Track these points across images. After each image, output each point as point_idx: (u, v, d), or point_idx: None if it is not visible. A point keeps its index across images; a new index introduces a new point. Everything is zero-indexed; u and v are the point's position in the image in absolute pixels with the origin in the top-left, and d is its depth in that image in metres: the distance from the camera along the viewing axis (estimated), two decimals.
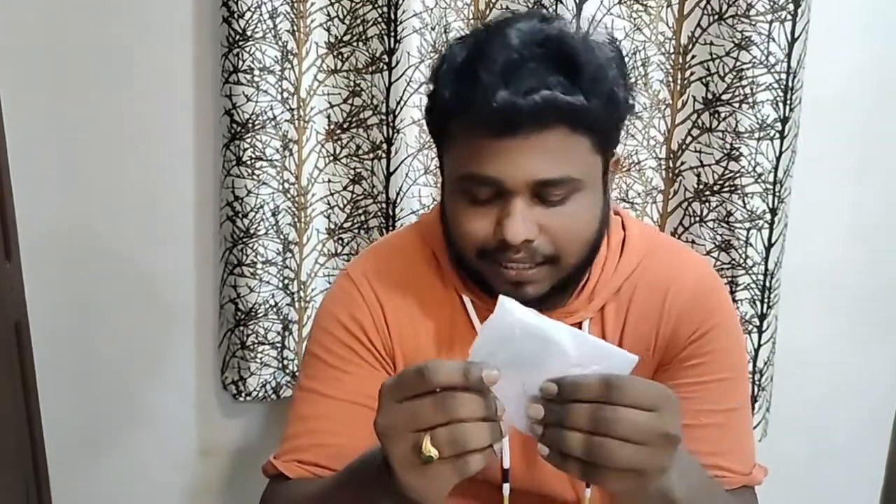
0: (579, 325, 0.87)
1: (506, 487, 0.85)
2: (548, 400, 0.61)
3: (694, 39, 1.24)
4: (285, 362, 1.34)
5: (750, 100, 1.21)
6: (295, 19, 1.23)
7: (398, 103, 1.23)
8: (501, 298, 0.61)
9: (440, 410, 0.58)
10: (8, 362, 1.28)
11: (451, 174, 0.81)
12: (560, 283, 0.82)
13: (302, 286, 1.34)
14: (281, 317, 1.31)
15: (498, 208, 0.77)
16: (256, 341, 1.30)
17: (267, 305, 1.29)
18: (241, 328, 1.30)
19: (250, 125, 1.22)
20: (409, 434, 0.59)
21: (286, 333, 1.33)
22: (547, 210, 0.77)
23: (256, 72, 1.21)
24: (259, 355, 1.31)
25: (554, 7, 1.19)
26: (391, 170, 1.26)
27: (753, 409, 1.31)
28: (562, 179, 0.76)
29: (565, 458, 0.61)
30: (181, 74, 1.28)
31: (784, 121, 1.21)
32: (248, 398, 1.33)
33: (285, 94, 1.24)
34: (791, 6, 1.18)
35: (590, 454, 0.59)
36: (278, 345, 1.32)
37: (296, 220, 1.31)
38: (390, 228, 1.28)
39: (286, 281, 1.31)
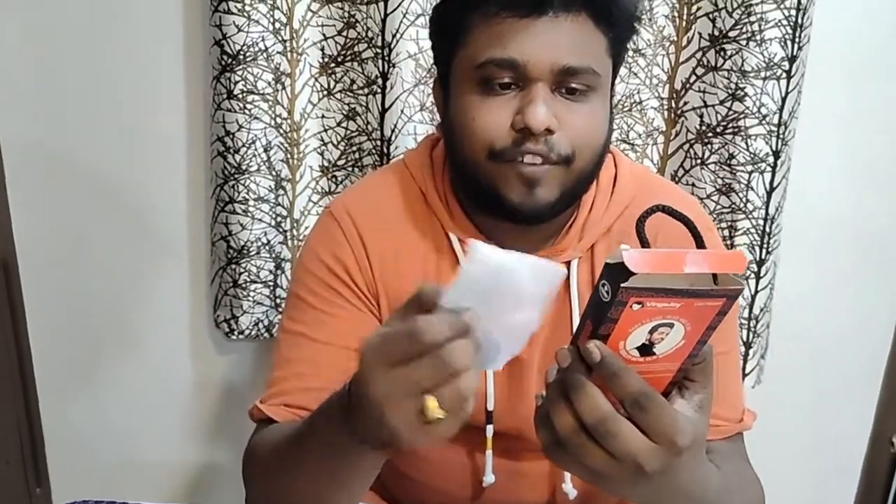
0: (568, 265, 0.85)
1: (489, 429, 0.85)
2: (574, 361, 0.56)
3: None
4: (277, 301, 1.33)
5: (758, 37, 1.16)
6: None
7: (394, 36, 1.19)
8: (473, 242, 0.55)
9: (441, 369, 0.53)
10: None
11: (467, 66, 0.78)
12: (567, 192, 0.80)
13: (295, 224, 1.32)
14: (273, 255, 1.30)
15: (516, 99, 0.76)
16: (248, 279, 1.29)
17: (259, 243, 1.28)
18: (234, 266, 1.29)
19: (241, 57, 1.19)
20: (412, 399, 0.54)
21: (278, 272, 1.32)
22: (566, 104, 0.77)
23: (247, 0, 1.16)
24: (251, 294, 1.30)
25: None
26: (386, 106, 1.23)
27: (748, 355, 1.30)
28: (585, 69, 0.76)
29: (546, 423, 0.58)
30: (170, 3, 1.24)
31: (792, 60, 1.17)
32: (240, 336, 1.33)
33: (277, 25, 1.20)
34: None
35: (569, 444, 0.56)
36: (270, 283, 1.31)
37: (288, 156, 1.28)
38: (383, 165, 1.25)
39: (278, 219, 1.29)
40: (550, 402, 0.57)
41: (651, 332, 0.54)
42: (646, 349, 0.55)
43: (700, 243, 0.56)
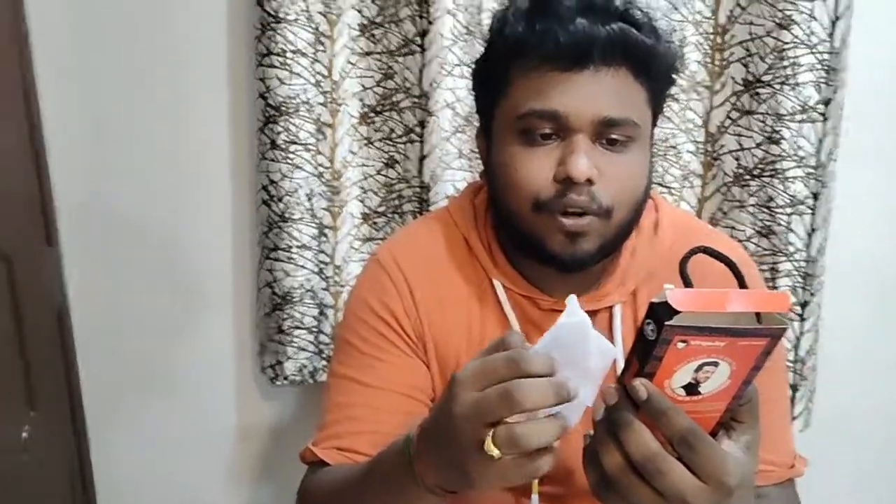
0: (611, 310, 0.86)
1: (534, 485, 0.85)
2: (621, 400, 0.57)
3: (733, 19, 1.22)
4: (321, 346, 1.35)
5: (791, 81, 1.18)
6: (327, 1, 1.23)
7: (431, 86, 1.22)
8: (571, 297, 0.58)
9: (506, 401, 0.54)
10: (51, 348, 1.31)
11: (509, 117, 0.80)
12: (608, 243, 0.81)
13: (337, 270, 1.34)
14: (316, 301, 1.32)
15: (558, 150, 0.78)
16: (293, 325, 1.31)
17: (303, 290, 1.30)
18: (278, 312, 1.31)
19: (284, 109, 1.22)
20: (479, 428, 0.56)
21: (322, 318, 1.34)
22: (607, 155, 0.78)
23: (289, 54, 1.20)
24: (295, 339, 1.32)
25: None
26: (425, 153, 1.25)
27: (795, 398, 1.29)
28: (625, 120, 0.77)
29: (594, 462, 0.58)
30: (215, 57, 1.29)
31: (826, 103, 1.18)
32: (284, 382, 1.34)
33: (318, 78, 1.24)
34: None
35: (618, 483, 0.56)
36: (314, 329, 1.33)
37: (330, 204, 1.31)
38: (425, 212, 1.28)
39: (321, 265, 1.31)
40: (598, 440, 0.57)
41: (696, 370, 0.54)
42: (692, 388, 0.56)
43: (742, 283, 0.57)
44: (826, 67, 1.17)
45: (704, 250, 0.57)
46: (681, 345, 0.52)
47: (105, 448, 1.44)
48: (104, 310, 1.38)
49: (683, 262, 0.56)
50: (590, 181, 0.76)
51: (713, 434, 0.58)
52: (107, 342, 1.39)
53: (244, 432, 1.46)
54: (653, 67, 0.79)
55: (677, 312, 0.51)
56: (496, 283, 0.87)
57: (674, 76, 0.84)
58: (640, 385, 0.54)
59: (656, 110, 0.83)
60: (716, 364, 0.54)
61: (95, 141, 1.31)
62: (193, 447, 1.45)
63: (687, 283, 0.55)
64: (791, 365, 1.27)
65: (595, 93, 0.76)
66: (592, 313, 0.86)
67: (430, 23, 1.20)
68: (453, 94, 1.22)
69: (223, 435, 1.45)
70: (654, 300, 0.53)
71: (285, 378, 1.34)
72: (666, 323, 0.51)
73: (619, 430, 0.56)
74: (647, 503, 0.56)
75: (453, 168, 1.26)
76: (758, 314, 0.54)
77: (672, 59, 0.82)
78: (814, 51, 1.17)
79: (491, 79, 0.83)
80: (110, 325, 1.39)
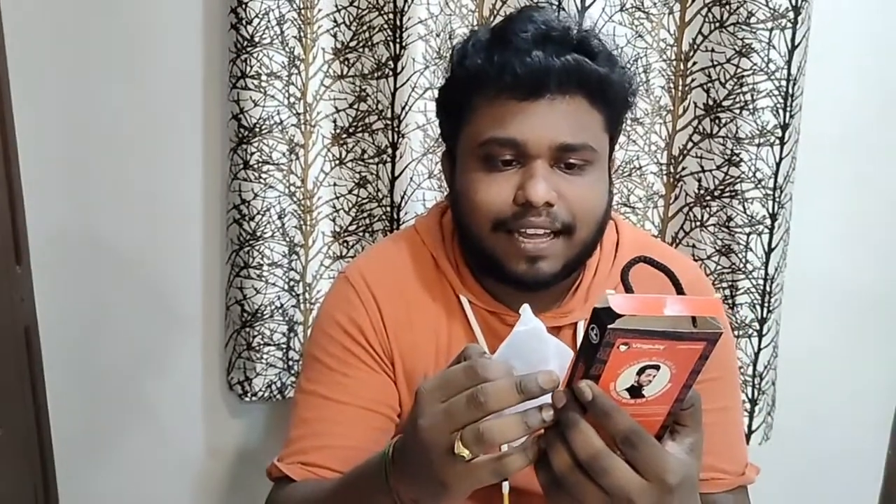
0: (575, 326, 0.88)
1: (505, 486, 0.86)
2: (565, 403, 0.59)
3: (695, 46, 1.26)
4: (290, 363, 1.36)
5: (750, 106, 1.22)
6: (302, 25, 1.25)
7: (403, 108, 1.25)
8: (525, 307, 0.61)
9: (471, 405, 0.57)
10: (18, 366, 1.30)
11: (471, 144, 0.83)
12: (570, 262, 0.84)
13: (307, 288, 1.36)
14: (286, 318, 1.33)
15: (518, 175, 0.81)
16: (262, 342, 1.32)
17: (273, 307, 1.31)
18: (248, 329, 1.32)
19: (257, 129, 1.24)
20: (447, 435, 0.58)
21: (291, 334, 1.35)
22: (565, 178, 0.81)
23: (264, 77, 1.23)
24: (265, 356, 1.33)
25: (556, 14, 1.21)
26: (396, 174, 1.28)
27: (754, 412, 1.32)
28: (581, 145, 0.80)
29: (544, 464, 0.60)
30: (190, 79, 1.30)
31: (784, 127, 1.23)
32: (253, 398, 1.35)
33: (292, 99, 1.26)
34: (791, 14, 1.19)
35: (565, 481, 0.58)
36: (284, 346, 1.34)
37: (301, 222, 1.32)
38: (394, 232, 1.30)
39: (292, 283, 1.33)
40: (548, 441, 0.59)
41: (639, 373, 0.57)
42: (635, 391, 0.58)
43: (680, 291, 0.59)
44: (783, 93, 1.22)
45: (645, 260, 0.60)
46: (623, 347, 0.55)
47: (72, 468, 1.43)
48: (72, 329, 1.38)
49: (625, 271, 0.59)
50: (549, 204, 0.80)
51: (658, 437, 0.60)
52: (75, 361, 1.39)
53: (213, 450, 1.45)
54: (608, 94, 0.82)
55: (619, 316, 0.54)
56: (463, 299, 0.90)
57: (630, 100, 0.87)
58: (586, 386, 0.56)
59: (613, 134, 0.86)
60: (657, 367, 0.57)
61: (68, 162, 1.32)
62: (162, 466, 1.45)
63: (628, 290, 0.58)
64: (750, 379, 1.31)
65: (552, 121, 0.79)
66: (557, 329, 0.89)
67: (403, 47, 1.23)
68: (424, 116, 1.25)
69: (192, 453, 1.45)
70: (597, 305, 0.56)
71: (254, 394, 1.34)
72: (609, 326, 0.54)
73: (566, 431, 0.58)
74: (593, 501, 0.58)
75: (423, 188, 1.28)
76: (694, 320, 0.57)
77: (627, 86, 0.85)
78: (772, 77, 1.21)
79: (454, 107, 0.86)
80: (77, 340, 1.38)
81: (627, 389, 0.58)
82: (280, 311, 1.32)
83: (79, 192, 1.33)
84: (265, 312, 1.31)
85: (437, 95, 0.92)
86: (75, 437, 1.42)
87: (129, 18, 1.27)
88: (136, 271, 1.37)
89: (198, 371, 1.42)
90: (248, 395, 1.35)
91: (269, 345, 1.32)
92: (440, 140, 1.26)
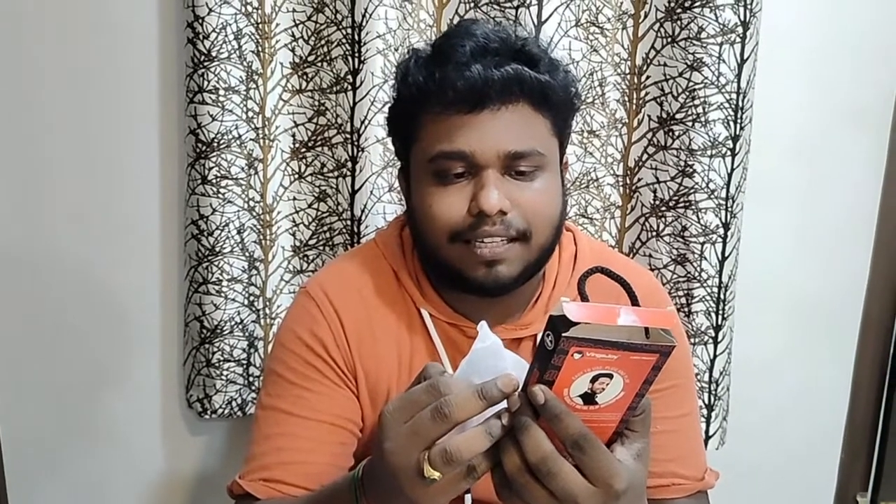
0: (535, 338, 0.89)
1: (467, 499, 0.87)
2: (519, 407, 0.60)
3: (648, 61, 1.29)
4: (251, 379, 1.34)
5: (702, 119, 1.25)
6: (260, 40, 1.25)
7: (363, 122, 1.25)
8: (482, 324, 0.62)
9: (437, 418, 0.58)
10: None
11: (422, 159, 0.84)
12: (529, 266, 0.85)
13: (267, 303, 1.35)
14: (246, 334, 1.32)
15: (470, 186, 0.82)
16: (222, 358, 1.31)
17: (232, 322, 1.30)
18: (207, 346, 1.31)
19: (215, 144, 1.23)
20: (414, 454, 0.59)
21: (252, 350, 1.34)
22: (517, 185, 0.82)
23: (221, 92, 1.22)
24: (225, 372, 1.32)
25: (514, 29, 1.23)
26: (356, 187, 1.28)
27: (710, 417, 1.35)
28: (529, 152, 0.81)
29: (497, 465, 0.61)
30: (147, 94, 1.29)
31: (735, 139, 1.26)
32: (213, 416, 1.33)
33: (250, 114, 1.26)
34: (740, 29, 1.22)
35: (515, 483, 0.59)
36: (244, 362, 1.33)
37: (261, 237, 1.32)
38: (355, 245, 1.30)
39: (251, 298, 1.32)
40: (501, 444, 0.60)
41: (592, 381, 0.58)
42: (589, 398, 0.59)
43: (634, 301, 0.61)
44: (734, 106, 1.25)
45: (601, 270, 0.62)
46: (577, 355, 0.56)
47: (25, 488, 1.39)
48: (25, 342, 1.35)
49: (581, 280, 0.60)
50: (502, 212, 0.81)
51: (609, 444, 0.62)
52: (29, 375, 1.36)
53: (172, 469, 1.43)
54: (551, 99, 0.83)
55: (574, 324, 0.55)
56: (424, 312, 0.90)
57: (575, 102, 0.89)
58: (539, 390, 0.58)
59: (562, 137, 0.88)
60: (610, 376, 0.58)
61: (22, 176, 1.30)
62: (120, 485, 1.42)
63: (584, 298, 0.60)
64: (706, 385, 1.33)
65: (498, 130, 0.81)
66: (517, 341, 0.90)
67: (361, 62, 1.23)
68: (384, 130, 1.25)
69: (150, 472, 1.43)
70: (553, 313, 0.58)
71: (214, 412, 1.33)
72: (563, 334, 0.55)
73: (518, 433, 0.59)
74: (542, 503, 0.59)
75: (384, 201, 1.29)
76: (647, 331, 0.59)
77: (569, 88, 0.87)
78: (722, 91, 1.24)
79: (402, 124, 0.88)
80: (31, 357, 1.36)
81: (581, 396, 0.59)
82: (240, 326, 1.31)
83: (33, 207, 1.31)
84: (225, 328, 1.30)
85: (386, 114, 0.92)
86: (29, 457, 1.39)
87: (85, 33, 1.26)
88: (92, 288, 1.35)
89: (156, 389, 1.40)
90: (208, 412, 1.33)
91: (228, 361, 1.31)
92: None
